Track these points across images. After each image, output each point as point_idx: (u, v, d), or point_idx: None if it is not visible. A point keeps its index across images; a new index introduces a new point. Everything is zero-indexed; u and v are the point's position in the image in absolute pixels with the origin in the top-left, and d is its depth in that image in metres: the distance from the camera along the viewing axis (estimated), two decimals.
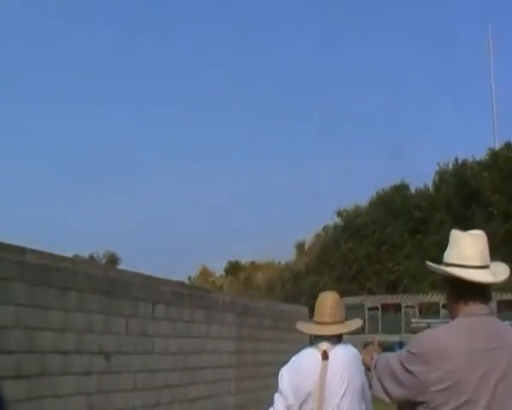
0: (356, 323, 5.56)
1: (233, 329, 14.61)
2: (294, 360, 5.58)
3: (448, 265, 3.39)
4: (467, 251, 3.35)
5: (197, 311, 13.21)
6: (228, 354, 14.20)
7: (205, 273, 44.48)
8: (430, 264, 3.51)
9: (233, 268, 44.65)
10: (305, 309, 20.60)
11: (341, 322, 5.39)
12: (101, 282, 10.19)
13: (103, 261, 53.45)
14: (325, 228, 54.73)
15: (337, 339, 5.34)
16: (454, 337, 3.24)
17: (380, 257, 49.20)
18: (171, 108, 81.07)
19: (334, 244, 49.90)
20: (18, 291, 8.37)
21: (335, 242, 50.42)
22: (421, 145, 77.73)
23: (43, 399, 8.52)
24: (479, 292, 3.31)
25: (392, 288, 46.12)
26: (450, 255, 3.40)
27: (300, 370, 5.39)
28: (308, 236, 53.35)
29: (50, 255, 9.22)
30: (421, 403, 3.20)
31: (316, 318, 5.51)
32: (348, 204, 54.45)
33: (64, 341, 9.08)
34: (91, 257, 53.74)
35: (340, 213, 54.83)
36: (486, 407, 3.09)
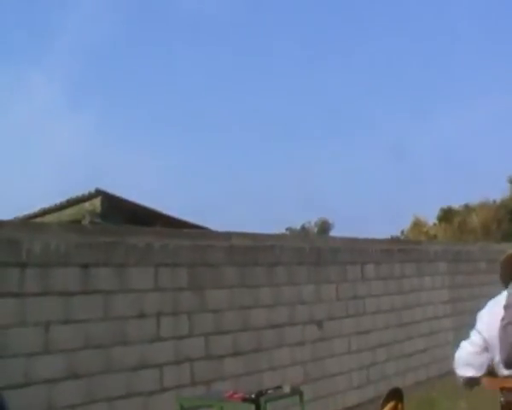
0: None
1: (446, 277, 14.47)
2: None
3: None
4: None
5: (408, 265, 13.24)
6: (443, 303, 14.14)
7: (418, 224, 43.94)
8: None
9: (446, 215, 43.88)
10: None
11: None
12: (308, 253, 10.59)
13: (315, 230, 54.01)
14: None
15: None
16: None
17: None
18: None
19: None
20: (228, 274, 8.98)
21: None
22: None
23: (261, 372, 9.09)
24: None
25: None
26: None
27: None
28: None
29: (255, 236, 9.72)
30: None
31: None
32: None
33: (276, 315, 9.59)
34: (303, 227, 54.40)
35: None
36: None
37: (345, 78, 79.23)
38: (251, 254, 9.43)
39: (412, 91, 77.40)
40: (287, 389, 6.42)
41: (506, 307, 3.29)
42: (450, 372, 4.37)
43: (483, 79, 74.24)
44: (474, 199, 44.32)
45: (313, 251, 10.73)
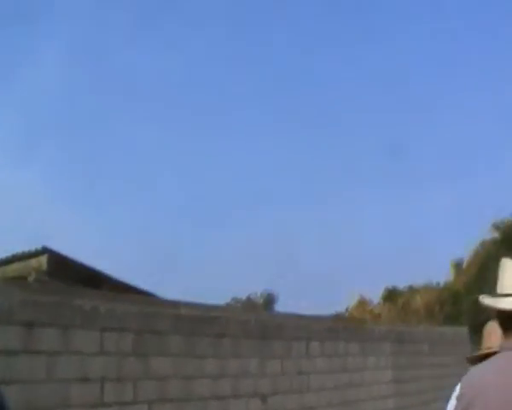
0: None
1: (390, 358, 14.57)
2: None
3: (495, 296, 3.25)
4: (507, 280, 3.23)
5: (352, 344, 13.30)
6: (386, 384, 14.20)
7: (362, 303, 44.38)
8: (480, 298, 3.33)
9: (390, 295, 44.36)
10: (464, 330, 20.27)
11: None
12: (254, 326, 10.56)
13: (261, 301, 54.16)
14: (482, 243, 53.44)
15: None
16: (488, 373, 3.13)
17: None
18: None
19: (493, 260, 48.66)
20: (174, 343, 8.88)
21: (494, 257, 49.17)
22: None
23: None
24: None
25: None
26: (497, 286, 3.28)
27: None
28: (465, 253, 52.16)
29: (202, 306, 9.70)
30: None
31: None
32: (505, 215, 52.96)
33: (221, 387, 9.50)
34: (249, 299, 54.51)
35: (497, 227, 53.45)
36: None
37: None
38: (198, 324, 9.38)
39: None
40: None
41: (458, 399, 3.28)
42: None
43: (432, 167, 75.84)
44: (419, 281, 44.90)
45: (259, 325, 10.71)
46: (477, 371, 3.32)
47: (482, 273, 47.07)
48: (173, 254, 59.51)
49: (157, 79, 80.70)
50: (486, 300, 3.30)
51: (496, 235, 52.78)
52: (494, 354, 5.26)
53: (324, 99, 77.09)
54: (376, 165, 78.30)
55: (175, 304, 9.19)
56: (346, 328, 13.44)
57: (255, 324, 10.60)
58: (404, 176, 74.39)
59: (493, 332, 5.53)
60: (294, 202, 75.25)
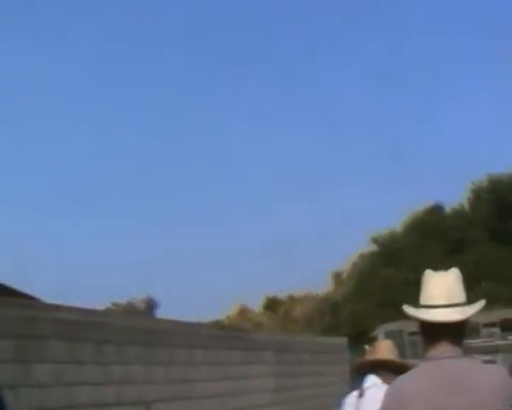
0: None
1: (272, 366, 14.65)
2: None
3: (418, 307, 3.35)
4: (431, 291, 3.32)
5: (235, 352, 13.31)
6: (268, 392, 14.23)
7: (243, 311, 44.51)
8: (404, 308, 3.44)
9: (271, 303, 44.67)
10: (343, 340, 20.57)
11: None
12: (138, 333, 10.36)
13: (142, 306, 53.58)
14: (361, 256, 54.62)
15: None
16: (414, 382, 3.19)
17: (418, 281, 48.76)
18: None
19: (371, 271, 49.77)
20: (55, 348, 8.57)
21: (372, 269, 50.29)
22: (452, 163, 77.06)
23: None
24: (444, 333, 3.22)
25: None
26: (420, 297, 3.37)
27: None
28: (344, 264, 53.22)
29: (85, 310, 9.42)
30: None
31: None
32: (381, 229, 54.31)
33: (103, 394, 9.24)
34: (130, 303, 53.87)
35: (375, 240, 54.70)
36: None
37: None
38: (80, 329, 9.08)
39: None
40: None
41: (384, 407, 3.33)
42: None
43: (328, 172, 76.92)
44: (299, 290, 45.41)
45: (143, 331, 10.52)
46: (405, 379, 3.33)
47: (360, 284, 48.12)
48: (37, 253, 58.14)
49: None
50: (410, 311, 3.38)
51: (373, 248, 54.04)
52: (379, 363, 5.39)
53: None
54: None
55: (55, 308, 8.86)
56: (229, 336, 13.42)
57: (140, 330, 10.39)
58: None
59: (383, 347, 5.67)
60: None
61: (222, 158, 79.33)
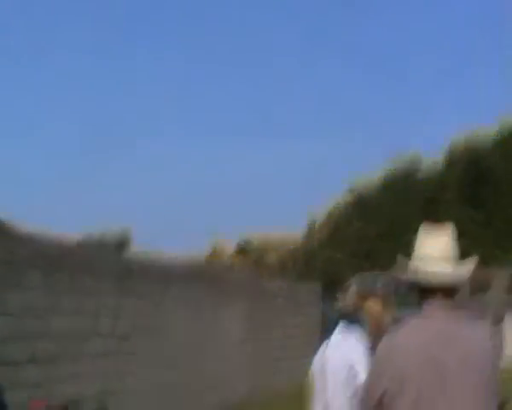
0: None
1: (244, 309, 14.67)
2: None
3: (415, 264, 3.36)
4: (425, 249, 3.36)
5: (209, 292, 13.30)
6: (240, 332, 14.27)
7: (217, 252, 44.53)
8: (399, 259, 3.46)
9: (244, 247, 44.72)
10: (317, 286, 20.63)
11: None
12: (116, 267, 10.37)
13: (115, 239, 53.39)
14: (336, 205, 54.78)
15: None
16: (413, 335, 3.26)
17: (392, 234, 49.08)
18: None
19: (345, 222, 49.90)
20: (31, 278, 8.52)
21: (347, 219, 50.42)
22: (432, 117, 76.83)
23: (61, 382, 8.68)
24: (439, 290, 3.28)
25: None
26: (413, 255, 3.41)
27: None
28: (320, 212, 53.36)
29: (62, 242, 9.38)
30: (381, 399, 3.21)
31: None
32: (358, 179, 54.38)
33: (79, 324, 9.24)
34: (104, 234, 53.66)
35: (351, 190, 54.72)
36: (437, 405, 3.11)
37: None
38: (56, 259, 9.06)
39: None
40: (93, 405, 6.16)
41: (380, 361, 3.40)
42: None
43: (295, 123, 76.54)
44: (273, 235, 45.40)
45: (118, 264, 10.54)
46: (399, 333, 3.34)
47: (335, 234, 48.26)
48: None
49: None
50: (414, 268, 3.34)
51: (349, 198, 54.14)
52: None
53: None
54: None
55: (31, 238, 8.80)
56: (204, 276, 13.50)
57: (115, 263, 10.39)
58: (267, 129, 74.94)
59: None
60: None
61: None
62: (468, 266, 3.37)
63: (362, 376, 4.75)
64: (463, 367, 3.14)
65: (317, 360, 5.41)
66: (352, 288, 5.92)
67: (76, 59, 65.75)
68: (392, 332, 3.42)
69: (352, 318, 5.46)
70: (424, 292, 3.33)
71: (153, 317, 11.10)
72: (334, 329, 5.47)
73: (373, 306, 5.62)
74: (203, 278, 13.24)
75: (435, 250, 3.36)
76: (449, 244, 3.39)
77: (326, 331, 5.61)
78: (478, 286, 34.20)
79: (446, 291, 3.31)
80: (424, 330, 3.25)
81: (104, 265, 10.08)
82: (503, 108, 56.21)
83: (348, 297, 5.69)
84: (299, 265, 41.49)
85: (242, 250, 44.07)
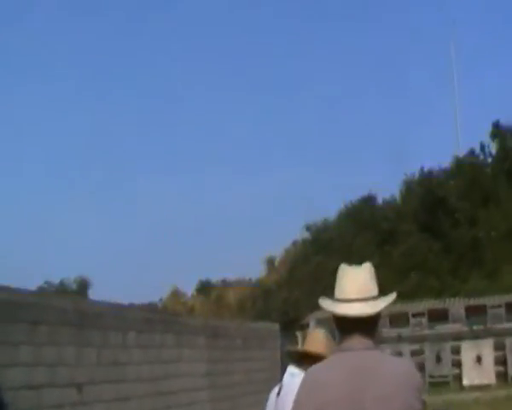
0: None
1: (204, 351, 14.69)
2: None
3: (333, 301, 3.43)
4: (344, 286, 3.41)
5: (168, 336, 13.31)
6: (200, 376, 14.27)
7: (176, 294, 44.46)
8: (320, 301, 3.54)
9: (204, 288, 44.69)
10: (275, 326, 20.70)
11: None
12: (71, 314, 10.27)
13: (74, 286, 53.07)
14: (294, 243, 54.94)
15: None
16: (329, 371, 3.30)
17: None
18: None
19: (303, 259, 50.05)
20: None
21: (305, 256, 50.57)
22: (389, 156, 78.11)
23: None
24: (357, 326, 3.33)
25: None
26: (335, 291, 3.46)
27: None
28: (278, 251, 53.49)
29: (18, 290, 9.29)
30: None
31: None
32: (316, 216, 54.67)
33: (35, 375, 9.14)
34: (62, 283, 53.31)
35: (308, 228, 55.05)
36: None
37: None
38: (12, 309, 8.97)
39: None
40: None
41: (300, 394, 3.42)
42: None
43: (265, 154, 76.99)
44: (232, 275, 45.50)
45: (76, 313, 10.43)
46: (320, 368, 3.42)
47: (292, 272, 48.37)
48: None
49: None
50: (324, 303, 3.48)
51: (307, 235, 54.36)
52: (310, 355, 5.41)
53: None
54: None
55: None
56: (163, 320, 13.46)
57: (73, 311, 10.30)
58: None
59: (317, 338, 5.65)
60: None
61: None
62: (384, 302, 3.41)
63: None
64: (379, 406, 3.17)
65: (270, 404, 5.47)
66: (318, 332, 5.89)
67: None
68: (315, 366, 3.47)
69: (300, 361, 5.46)
70: (343, 327, 3.39)
71: (111, 365, 11.03)
72: (285, 370, 5.54)
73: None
74: (162, 322, 13.22)
75: (352, 286, 3.41)
76: (366, 281, 3.44)
77: (284, 371, 5.66)
78: (435, 317, 34.57)
79: (364, 326, 3.36)
80: (343, 366, 3.29)
81: (61, 314, 10.00)
82: (455, 144, 57.32)
83: (317, 342, 5.62)
84: (258, 304, 41.49)
85: (202, 290, 43.98)
